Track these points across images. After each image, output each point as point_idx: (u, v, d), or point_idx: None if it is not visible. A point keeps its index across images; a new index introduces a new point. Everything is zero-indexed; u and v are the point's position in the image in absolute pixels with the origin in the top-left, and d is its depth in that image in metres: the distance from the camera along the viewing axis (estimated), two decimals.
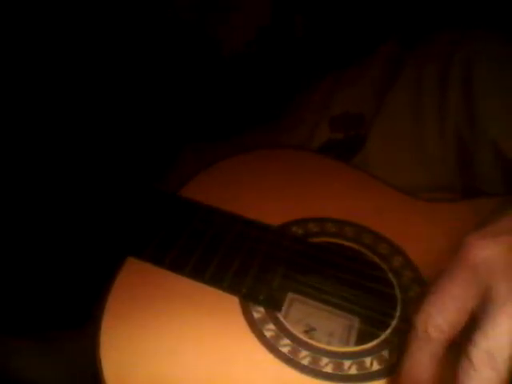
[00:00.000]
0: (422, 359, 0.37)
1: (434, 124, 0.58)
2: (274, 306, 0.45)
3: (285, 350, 0.42)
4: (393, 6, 0.59)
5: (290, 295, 0.50)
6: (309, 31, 0.57)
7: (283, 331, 0.44)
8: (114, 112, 0.65)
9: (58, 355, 0.53)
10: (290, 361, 0.42)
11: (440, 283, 0.38)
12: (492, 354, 0.34)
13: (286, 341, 0.43)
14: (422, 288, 0.47)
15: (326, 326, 0.50)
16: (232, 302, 0.45)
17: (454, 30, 0.58)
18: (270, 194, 0.52)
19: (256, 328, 0.44)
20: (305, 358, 0.42)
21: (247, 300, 0.45)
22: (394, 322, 0.45)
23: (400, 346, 0.41)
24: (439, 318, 0.36)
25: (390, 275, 0.48)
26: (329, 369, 0.42)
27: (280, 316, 0.45)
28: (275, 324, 0.44)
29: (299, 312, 0.50)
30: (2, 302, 0.54)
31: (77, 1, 0.60)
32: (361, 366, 0.42)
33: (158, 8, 0.54)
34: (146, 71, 0.62)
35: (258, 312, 0.45)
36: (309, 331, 0.49)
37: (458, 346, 0.36)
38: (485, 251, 0.37)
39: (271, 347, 0.42)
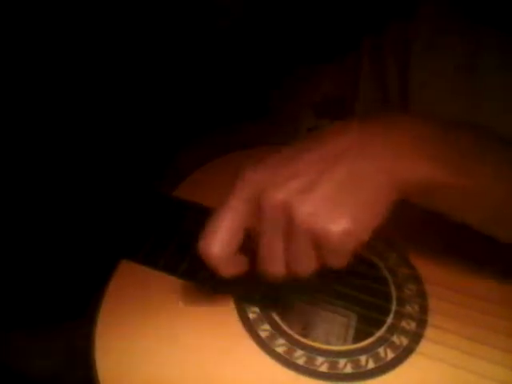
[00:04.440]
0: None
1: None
2: (269, 305, 0.45)
3: (280, 350, 0.42)
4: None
5: (286, 294, 0.50)
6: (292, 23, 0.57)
7: (278, 331, 0.44)
8: (108, 113, 0.65)
9: (55, 351, 0.54)
10: (286, 361, 0.42)
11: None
12: None
13: (282, 341, 0.43)
14: (417, 285, 0.47)
15: (323, 325, 0.50)
16: (227, 303, 0.45)
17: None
18: None
19: (251, 328, 0.44)
20: (300, 357, 0.42)
21: (242, 300, 0.45)
22: (389, 320, 0.45)
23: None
24: None
25: (386, 272, 0.48)
26: (324, 368, 0.42)
27: (275, 316, 0.45)
28: (270, 324, 0.44)
29: (296, 311, 0.50)
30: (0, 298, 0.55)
31: None
32: (356, 364, 0.42)
33: None
34: (141, 63, 0.62)
35: (254, 312, 0.45)
36: (306, 329, 0.49)
37: None
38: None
39: (266, 347, 0.42)
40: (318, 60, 0.59)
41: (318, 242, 0.38)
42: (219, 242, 0.39)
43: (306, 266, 0.40)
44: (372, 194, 0.38)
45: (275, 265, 0.40)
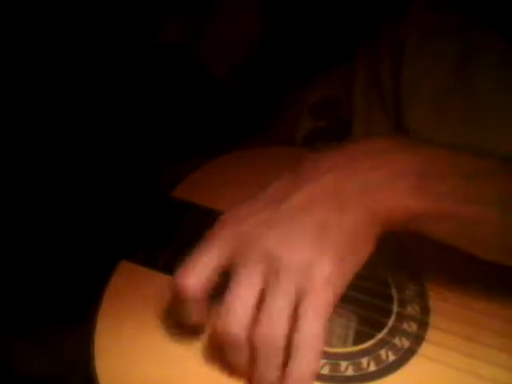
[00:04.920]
0: None
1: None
2: None
3: None
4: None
5: None
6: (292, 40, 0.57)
7: None
8: (108, 113, 0.65)
9: (55, 353, 0.53)
10: None
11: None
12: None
13: None
14: (418, 286, 0.46)
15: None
16: None
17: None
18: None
19: None
20: None
21: None
22: (390, 322, 0.44)
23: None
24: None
25: (386, 273, 0.48)
26: (325, 370, 0.41)
27: None
28: None
29: None
30: None
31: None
32: (357, 366, 0.42)
33: (143, 36, 0.54)
34: (138, 88, 0.62)
35: None
36: None
37: None
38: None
39: None
40: (314, 67, 0.59)
41: (302, 289, 0.36)
42: (196, 275, 0.39)
43: (276, 330, 0.36)
44: (352, 238, 0.38)
45: (236, 320, 0.36)
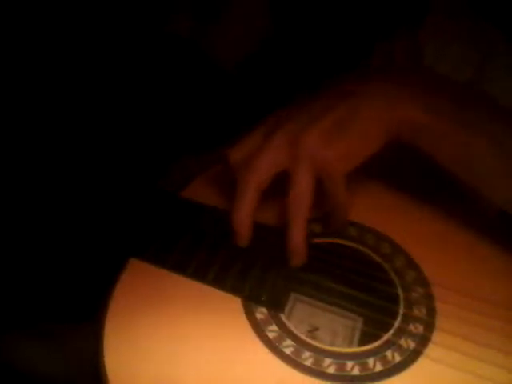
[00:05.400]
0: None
1: None
2: (276, 306, 0.45)
3: (287, 351, 0.42)
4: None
5: (293, 296, 0.50)
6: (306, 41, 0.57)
7: (286, 332, 0.44)
8: (116, 112, 0.65)
9: (63, 351, 0.54)
10: (293, 362, 0.42)
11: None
12: None
13: (289, 342, 0.43)
14: (425, 288, 0.47)
15: (330, 327, 0.50)
16: (234, 303, 0.45)
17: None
18: (272, 195, 0.52)
19: (259, 329, 0.44)
20: (308, 359, 0.42)
21: (250, 301, 0.45)
22: (396, 322, 0.45)
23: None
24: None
25: (393, 275, 0.48)
26: (331, 370, 0.42)
27: (283, 317, 0.45)
28: (278, 325, 0.44)
29: (302, 312, 0.50)
30: (5, 298, 0.55)
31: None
32: (364, 366, 0.42)
33: (154, 24, 0.54)
34: (145, 82, 0.62)
35: (261, 313, 0.45)
36: (312, 331, 0.49)
37: None
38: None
39: (274, 348, 0.42)
40: (329, 70, 0.59)
41: (318, 166, 0.44)
42: (260, 172, 0.46)
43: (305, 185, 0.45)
44: (365, 127, 0.45)
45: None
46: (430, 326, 0.44)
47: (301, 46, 0.57)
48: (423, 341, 0.43)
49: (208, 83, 0.58)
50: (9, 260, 0.54)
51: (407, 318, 0.45)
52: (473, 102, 0.46)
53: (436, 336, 0.44)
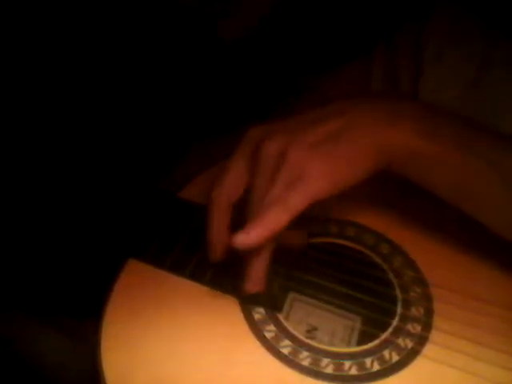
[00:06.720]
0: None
1: None
2: (274, 306, 0.45)
3: (285, 351, 0.43)
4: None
5: (291, 296, 0.50)
6: (306, 28, 0.57)
7: (284, 332, 0.44)
8: (116, 110, 0.65)
9: (63, 348, 0.54)
10: (291, 362, 0.42)
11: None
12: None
13: (287, 342, 0.43)
14: (423, 287, 0.47)
15: (328, 327, 0.50)
16: (232, 303, 0.45)
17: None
18: None
19: (257, 329, 0.44)
20: (305, 358, 0.42)
21: (248, 301, 0.45)
22: (394, 322, 0.45)
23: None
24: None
25: (391, 275, 0.48)
26: (329, 370, 0.42)
27: (280, 317, 0.45)
28: (276, 325, 0.44)
29: (300, 312, 0.50)
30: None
31: None
32: (361, 366, 0.42)
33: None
34: (147, 62, 0.62)
35: (259, 313, 0.45)
36: (311, 331, 0.49)
37: None
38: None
39: (272, 348, 0.43)
40: (329, 66, 0.59)
41: (297, 178, 0.41)
42: (226, 190, 0.44)
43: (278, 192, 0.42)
44: (354, 151, 0.42)
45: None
46: (427, 326, 0.44)
47: (300, 27, 0.57)
48: (421, 340, 0.43)
49: (209, 60, 0.58)
50: (9, 260, 0.55)
51: (405, 318, 0.45)
52: (471, 128, 0.44)
53: (434, 335, 0.44)
